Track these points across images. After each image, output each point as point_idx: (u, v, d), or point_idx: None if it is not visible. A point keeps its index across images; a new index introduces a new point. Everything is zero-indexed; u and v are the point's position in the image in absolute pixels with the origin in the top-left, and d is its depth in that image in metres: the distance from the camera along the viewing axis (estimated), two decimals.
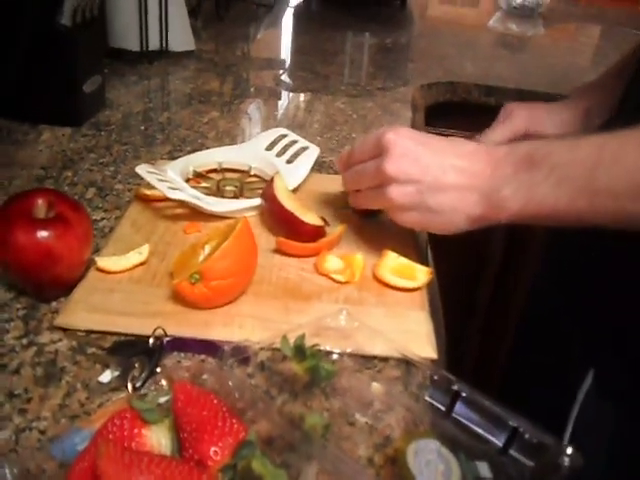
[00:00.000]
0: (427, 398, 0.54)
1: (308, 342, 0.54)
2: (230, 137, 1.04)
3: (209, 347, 0.58)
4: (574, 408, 0.71)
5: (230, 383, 0.47)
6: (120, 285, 0.65)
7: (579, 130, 0.91)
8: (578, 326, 0.76)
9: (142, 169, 0.76)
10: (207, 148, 0.96)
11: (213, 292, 0.60)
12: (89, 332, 0.60)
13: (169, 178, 0.78)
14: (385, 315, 0.65)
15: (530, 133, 0.92)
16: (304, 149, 0.90)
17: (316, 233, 0.73)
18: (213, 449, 0.42)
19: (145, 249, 0.69)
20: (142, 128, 1.06)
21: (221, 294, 0.62)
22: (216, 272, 0.60)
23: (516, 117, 0.93)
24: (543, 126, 0.92)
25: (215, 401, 0.45)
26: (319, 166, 0.94)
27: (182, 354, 0.58)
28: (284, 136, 0.93)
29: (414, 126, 1.19)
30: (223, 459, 0.42)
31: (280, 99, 1.29)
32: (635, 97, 0.76)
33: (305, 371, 0.53)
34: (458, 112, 1.45)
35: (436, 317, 0.69)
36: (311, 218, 0.73)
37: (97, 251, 0.70)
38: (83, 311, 0.61)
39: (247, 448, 0.41)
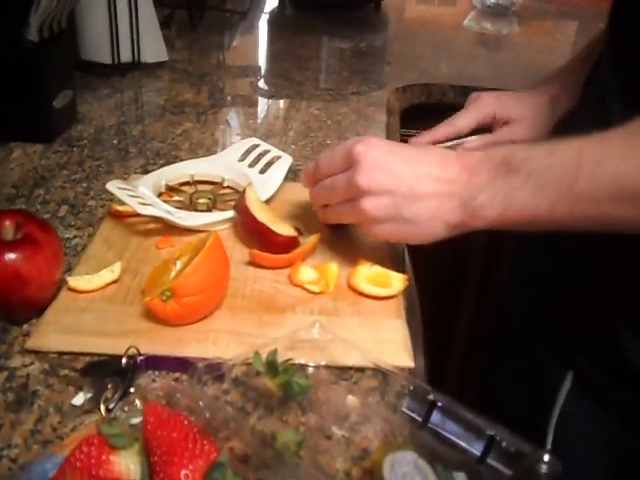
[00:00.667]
0: (403, 409, 0.53)
1: (283, 356, 0.53)
2: (204, 148, 1.04)
3: (183, 364, 0.58)
4: (554, 413, 0.71)
5: (201, 403, 0.47)
6: (92, 304, 0.64)
7: (546, 115, 0.90)
8: (549, 336, 0.75)
9: (113, 185, 0.75)
10: (181, 160, 0.95)
11: (185, 309, 0.60)
12: (61, 354, 0.59)
13: (140, 193, 0.77)
14: (360, 324, 0.64)
15: (498, 118, 0.91)
16: (277, 158, 0.90)
17: (289, 244, 0.72)
18: (184, 472, 0.41)
19: (117, 267, 0.68)
20: (115, 142, 1.05)
21: (193, 310, 0.61)
22: (187, 288, 0.59)
23: (483, 102, 0.92)
24: (510, 111, 0.91)
25: (186, 422, 0.44)
26: (293, 174, 0.93)
27: (156, 372, 0.58)
28: (256, 146, 0.92)
29: (389, 130, 1.18)
30: None
31: (255, 107, 1.29)
32: (598, 81, 0.75)
33: (278, 387, 0.52)
34: (434, 114, 1.44)
35: (414, 324, 0.68)
36: (284, 229, 0.72)
37: (70, 270, 0.69)
38: (55, 332, 0.60)
39: (218, 470, 0.41)
